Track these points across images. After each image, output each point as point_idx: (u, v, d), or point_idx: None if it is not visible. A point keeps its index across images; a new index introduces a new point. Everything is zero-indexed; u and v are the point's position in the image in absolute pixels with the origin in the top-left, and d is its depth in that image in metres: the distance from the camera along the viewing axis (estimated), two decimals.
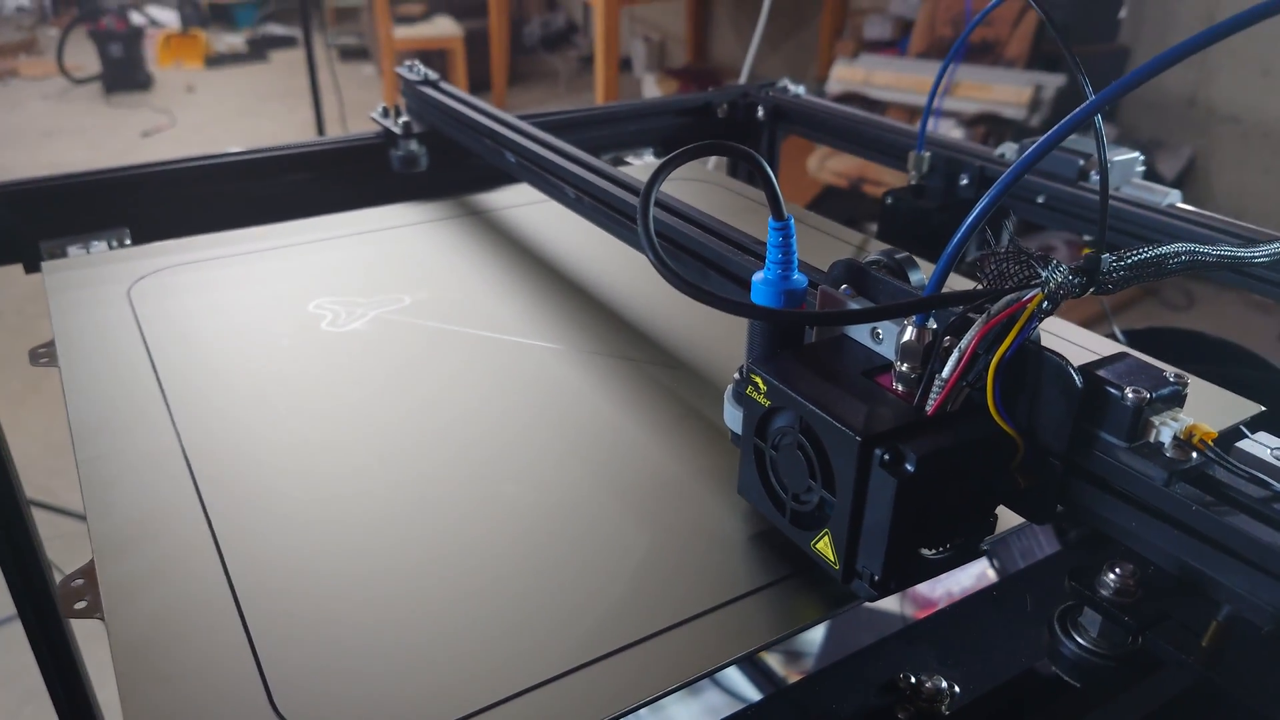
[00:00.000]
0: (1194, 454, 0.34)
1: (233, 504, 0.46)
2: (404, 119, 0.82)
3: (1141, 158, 0.70)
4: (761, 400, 0.40)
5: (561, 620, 0.40)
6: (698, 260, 0.53)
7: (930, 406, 0.36)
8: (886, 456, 0.35)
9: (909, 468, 0.34)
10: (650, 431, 0.53)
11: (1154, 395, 0.34)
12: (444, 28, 4.33)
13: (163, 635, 0.38)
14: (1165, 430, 0.34)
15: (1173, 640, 0.32)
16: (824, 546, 0.39)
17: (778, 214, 0.41)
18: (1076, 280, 0.35)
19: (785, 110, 0.98)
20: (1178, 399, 0.35)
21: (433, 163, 0.84)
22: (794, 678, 0.97)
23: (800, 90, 1.00)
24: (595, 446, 0.52)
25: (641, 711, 0.36)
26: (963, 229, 0.35)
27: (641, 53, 4.53)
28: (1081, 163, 0.70)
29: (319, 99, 3.33)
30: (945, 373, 0.36)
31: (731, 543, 0.44)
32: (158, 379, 0.56)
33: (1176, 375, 0.35)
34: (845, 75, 3.02)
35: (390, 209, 0.82)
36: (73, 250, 0.74)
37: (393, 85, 4.13)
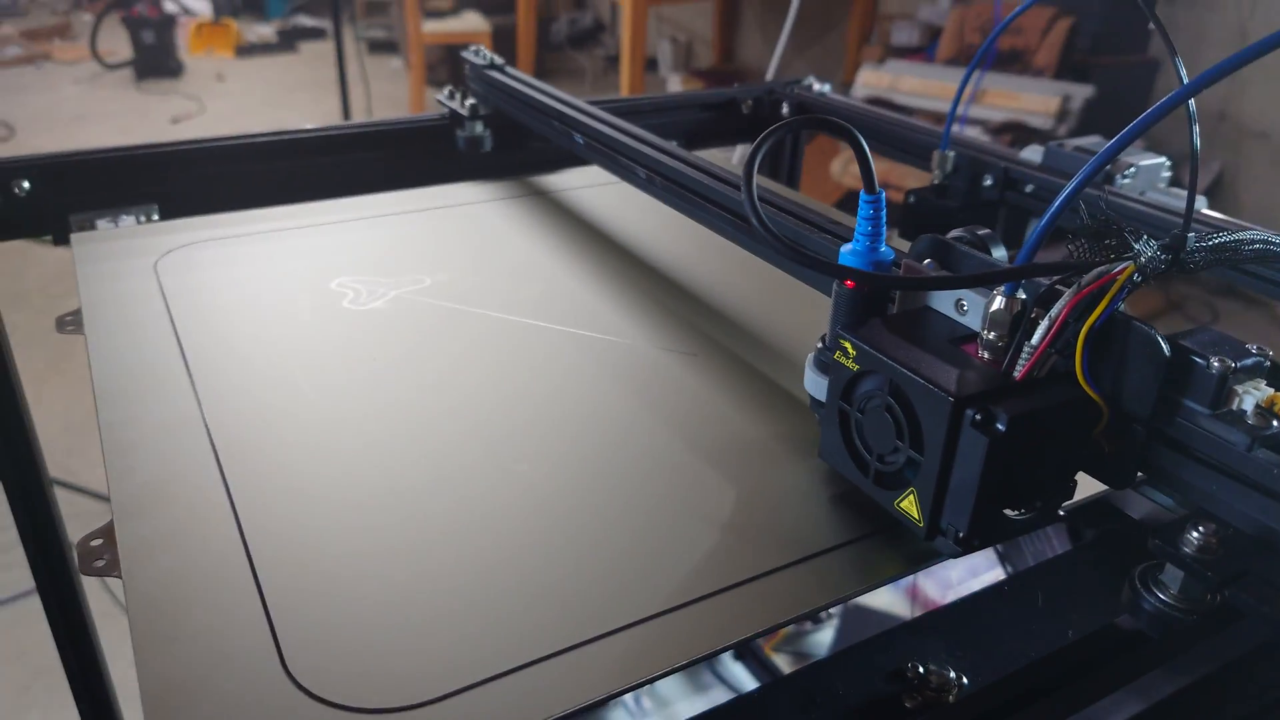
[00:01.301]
0: (1275, 422, 0.36)
1: (250, 472, 0.47)
2: (471, 101, 0.84)
3: (1169, 163, 0.70)
4: (850, 365, 0.42)
5: (633, 574, 0.41)
6: None
7: (1019, 372, 0.38)
8: (978, 417, 0.36)
9: (1000, 427, 0.36)
10: (722, 406, 0.54)
11: (1238, 365, 0.36)
12: (472, 22, 4.36)
13: (179, 594, 0.39)
14: (1248, 399, 0.36)
15: (1254, 594, 0.33)
16: (908, 505, 0.41)
17: (870, 187, 0.43)
18: (1164, 256, 0.37)
19: (810, 108, 0.96)
20: (1260, 370, 0.37)
21: (492, 145, 0.86)
22: (799, 665, 0.97)
23: (826, 89, 0.99)
24: (637, 425, 0.52)
25: (666, 680, 0.36)
26: (1059, 200, 0.37)
27: (668, 53, 4.56)
28: None
29: (346, 90, 3.37)
30: (1035, 340, 0.38)
31: (812, 503, 0.46)
32: (181, 349, 0.57)
33: (1259, 348, 0.37)
34: (871, 80, 3.03)
35: (432, 190, 0.82)
36: (101, 224, 0.74)
37: (420, 79, 4.16)
